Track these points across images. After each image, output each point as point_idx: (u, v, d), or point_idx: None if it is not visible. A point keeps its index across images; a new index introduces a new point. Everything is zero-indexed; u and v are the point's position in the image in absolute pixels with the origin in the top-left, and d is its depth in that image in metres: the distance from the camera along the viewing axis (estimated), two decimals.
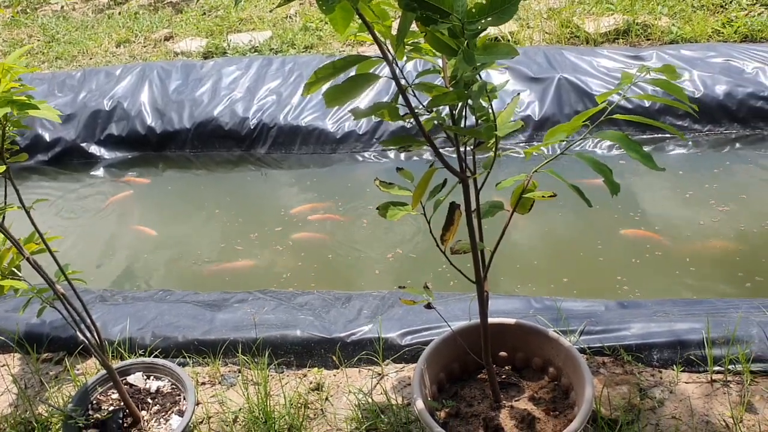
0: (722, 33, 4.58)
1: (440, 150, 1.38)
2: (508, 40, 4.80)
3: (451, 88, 1.35)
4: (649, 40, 4.70)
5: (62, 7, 7.05)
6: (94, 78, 4.76)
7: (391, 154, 4.22)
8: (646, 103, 3.94)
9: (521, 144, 4.09)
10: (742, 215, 3.23)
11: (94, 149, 4.54)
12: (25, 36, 6.33)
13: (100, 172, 4.46)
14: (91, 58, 5.59)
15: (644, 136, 3.97)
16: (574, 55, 4.27)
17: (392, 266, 3.19)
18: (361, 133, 4.25)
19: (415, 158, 4.12)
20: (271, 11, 5.40)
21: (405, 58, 1.52)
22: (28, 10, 7.03)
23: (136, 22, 6.22)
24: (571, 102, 4.06)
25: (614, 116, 1.47)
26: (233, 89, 4.52)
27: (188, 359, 2.38)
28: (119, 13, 6.62)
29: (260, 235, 3.51)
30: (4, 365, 2.48)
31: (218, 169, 4.31)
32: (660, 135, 3.95)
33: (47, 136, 4.53)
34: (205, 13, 6.27)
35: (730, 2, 4.95)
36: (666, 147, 3.91)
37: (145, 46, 5.72)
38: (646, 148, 1.38)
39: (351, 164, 4.16)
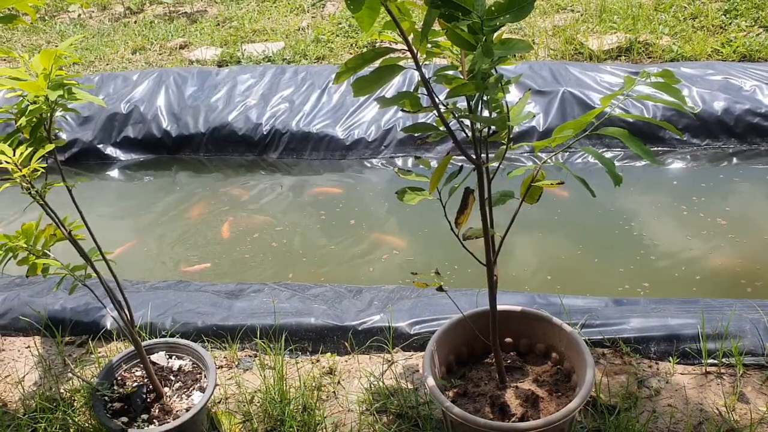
0: (721, 52, 4.73)
1: (452, 146, 1.51)
2: (514, 55, 4.95)
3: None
4: (650, 57, 4.86)
5: (79, 15, 7.23)
6: (111, 82, 4.90)
7: (399, 161, 4.35)
8: (647, 115, 4.07)
9: (525, 154, 4.23)
10: (737, 227, 3.35)
11: (110, 150, 4.66)
12: (44, 42, 6.50)
13: (115, 172, 4.59)
14: (107, 64, 5.75)
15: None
16: (578, 70, 4.42)
17: (388, 266, 3.31)
18: (370, 140, 4.38)
19: (420, 166, 4.25)
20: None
21: (424, 58, 1.65)
22: (46, 17, 7.22)
23: (152, 31, 6.39)
24: (575, 114, 4.19)
25: (617, 115, 1.61)
26: (247, 96, 4.66)
27: (207, 343, 2.48)
28: (135, 22, 6.80)
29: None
30: (28, 347, 2.58)
31: (231, 172, 4.44)
32: (659, 148, 4.08)
33: (64, 137, 4.66)
34: (219, 24, 6.45)
35: (730, 23, 5.11)
36: (665, 160, 4.04)
37: (160, 54, 5.88)
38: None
39: (360, 170, 4.29)
